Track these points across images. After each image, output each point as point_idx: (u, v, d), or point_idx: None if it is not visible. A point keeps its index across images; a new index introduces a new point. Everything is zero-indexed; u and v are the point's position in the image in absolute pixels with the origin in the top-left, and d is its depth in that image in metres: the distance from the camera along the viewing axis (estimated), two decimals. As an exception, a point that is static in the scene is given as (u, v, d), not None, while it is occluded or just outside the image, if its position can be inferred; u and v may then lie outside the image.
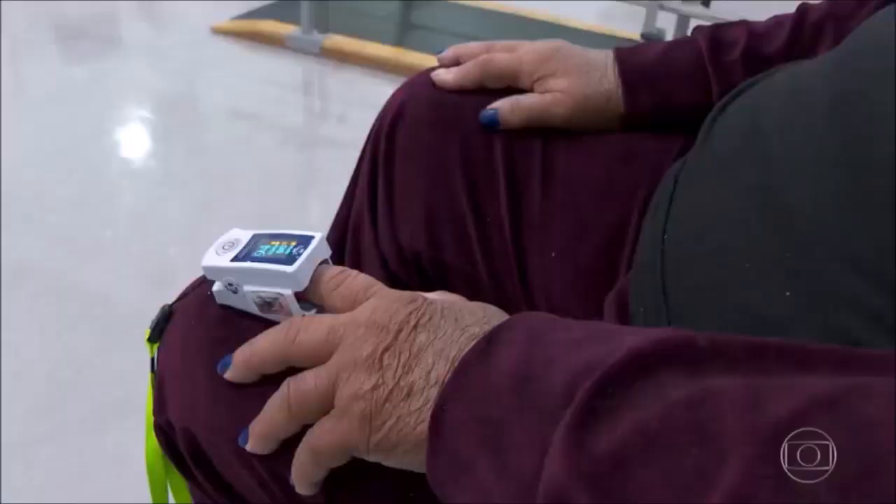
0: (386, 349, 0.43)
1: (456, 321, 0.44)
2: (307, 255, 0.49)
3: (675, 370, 0.33)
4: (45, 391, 1.42)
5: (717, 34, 0.71)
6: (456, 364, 0.40)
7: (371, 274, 0.80)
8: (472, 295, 0.74)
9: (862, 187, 0.40)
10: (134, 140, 2.41)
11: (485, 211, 0.72)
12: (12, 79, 2.69)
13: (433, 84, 0.75)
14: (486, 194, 0.72)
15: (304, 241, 0.50)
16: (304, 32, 2.99)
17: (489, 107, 0.72)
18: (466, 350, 0.41)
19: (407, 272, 0.78)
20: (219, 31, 3.15)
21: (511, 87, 0.74)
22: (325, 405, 0.44)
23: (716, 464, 0.29)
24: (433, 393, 0.40)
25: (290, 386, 0.45)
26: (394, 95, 0.77)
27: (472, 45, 0.77)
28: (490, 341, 0.40)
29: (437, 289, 0.76)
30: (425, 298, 0.46)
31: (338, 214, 0.85)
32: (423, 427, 0.40)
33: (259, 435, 0.47)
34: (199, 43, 3.10)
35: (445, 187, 0.73)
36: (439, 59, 0.77)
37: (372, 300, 0.47)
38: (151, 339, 0.56)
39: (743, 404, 0.30)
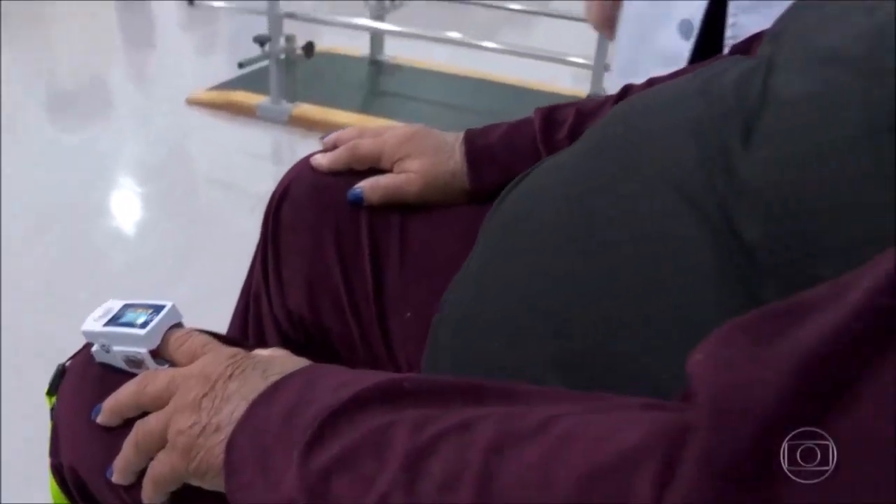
0: (204, 395, 0.54)
1: (263, 372, 0.55)
2: (157, 320, 0.61)
3: (383, 406, 0.44)
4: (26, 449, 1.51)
5: (551, 114, 0.83)
6: (249, 405, 0.51)
7: (270, 336, 0.92)
8: (349, 354, 0.86)
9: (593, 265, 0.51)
10: (113, 206, 2.54)
11: (353, 280, 0.83)
12: (4, 145, 2.82)
13: (313, 168, 0.87)
14: (353, 265, 0.83)
15: (159, 308, 0.62)
16: (273, 102, 3.14)
17: (355, 186, 0.83)
18: (258, 393, 0.52)
19: (297, 334, 0.89)
20: (193, 102, 3.29)
21: (378, 168, 0.85)
22: (163, 441, 0.55)
23: (379, 471, 0.40)
24: (230, 429, 0.51)
25: (137, 427, 0.56)
26: (283, 177, 0.89)
27: (348, 131, 0.89)
28: (276, 387, 0.51)
29: (323, 349, 0.88)
30: (245, 354, 0.57)
31: (244, 284, 0.97)
32: (223, 457, 0.51)
33: (118, 469, 0.58)
34: (175, 113, 3.24)
35: (322, 260, 0.84)
36: (322, 144, 0.89)
37: (205, 356, 0.58)
38: (49, 393, 0.67)
39: (412, 427, 0.41)
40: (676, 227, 0.46)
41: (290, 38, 3.12)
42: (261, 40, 3.01)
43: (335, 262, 0.84)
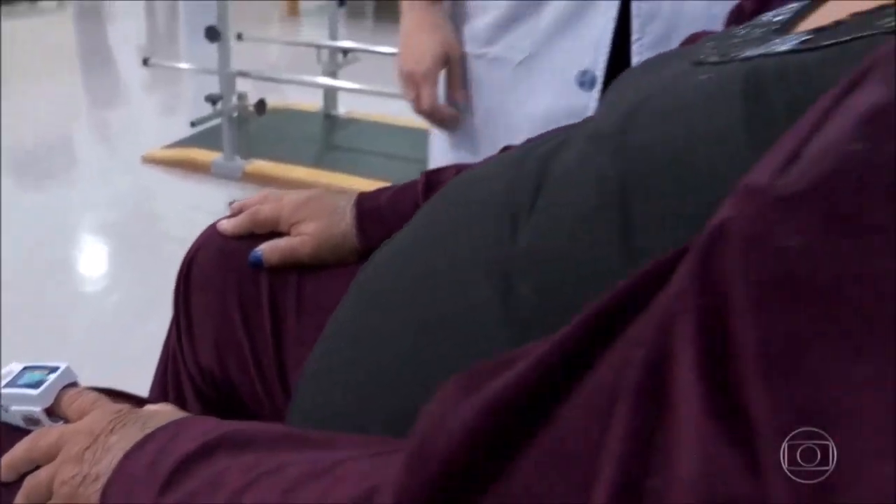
0: (87, 447, 0.59)
1: (143, 425, 0.60)
2: (51, 380, 0.66)
3: (227, 452, 0.50)
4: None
5: (433, 176, 0.89)
6: (123, 455, 0.57)
7: (187, 392, 0.97)
8: (256, 407, 0.91)
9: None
10: (73, 264, 2.58)
11: (256, 337, 0.89)
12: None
13: (220, 232, 0.93)
14: (255, 323, 0.89)
15: (54, 369, 0.67)
16: (227, 159, 3.21)
17: (255, 249, 0.89)
18: (133, 444, 0.57)
19: (209, 390, 0.94)
20: (150, 160, 3.35)
21: (279, 232, 0.92)
22: (50, 493, 0.60)
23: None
24: (106, 478, 0.57)
25: (27, 480, 0.62)
26: (194, 242, 0.95)
27: (253, 197, 0.95)
28: (148, 437, 0.57)
29: (233, 403, 0.93)
30: (130, 409, 0.63)
31: (164, 342, 1.02)
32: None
33: None
34: (134, 171, 3.30)
35: (227, 319, 0.90)
36: (230, 209, 0.96)
37: (93, 412, 0.63)
38: (-36, 451, 0.72)
39: (243, 470, 0.47)
40: (475, 295, 0.52)
41: (242, 96, 3.19)
42: (212, 99, 3.09)
43: (239, 321, 0.89)
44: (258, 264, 0.89)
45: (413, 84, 1.28)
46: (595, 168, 0.47)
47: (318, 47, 3.81)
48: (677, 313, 0.27)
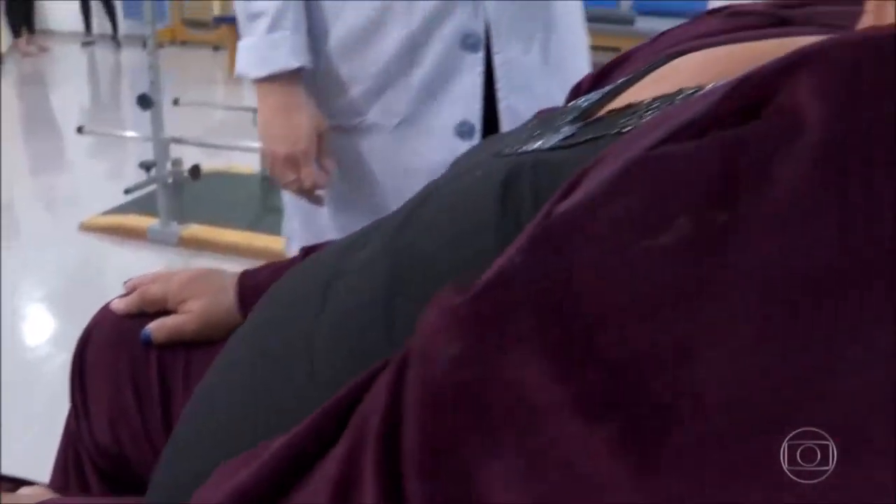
0: None
1: None
2: None
3: None
4: None
5: (310, 251, 0.93)
6: None
7: (87, 467, 0.99)
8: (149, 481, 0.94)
9: None
10: (11, 333, 2.56)
11: (148, 413, 0.92)
12: None
13: (113, 311, 0.96)
14: (147, 399, 0.92)
15: None
16: (163, 225, 3.22)
17: (145, 328, 0.93)
18: None
19: (106, 465, 0.97)
20: (88, 228, 3.36)
21: (168, 310, 0.95)
22: None
23: None
24: None
25: None
26: (89, 321, 0.98)
27: (145, 276, 0.99)
28: None
29: (130, 478, 0.95)
30: (5, 495, 0.66)
31: (66, 419, 1.04)
32: None
33: None
34: (72, 239, 3.30)
35: (121, 396, 0.93)
36: (125, 288, 0.99)
37: None
38: None
39: None
40: (293, 372, 0.56)
41: (176, 162, 3.22)
42: (146, 166, 3.11)
43: (132, 398, 0.92)
44: (148, 342, 0.92)
45: (293, 166, 1.30)
46: (374, 263, 0.51)
47: (254, 111, 3.85)
48: (370, 414, 0.32)
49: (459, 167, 0.62)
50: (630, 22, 5.97)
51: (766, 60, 0.51)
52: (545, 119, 0.61)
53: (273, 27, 1.26)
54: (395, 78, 1.27)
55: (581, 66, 1.37)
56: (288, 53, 1.26)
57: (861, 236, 0.26)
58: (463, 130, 1.26)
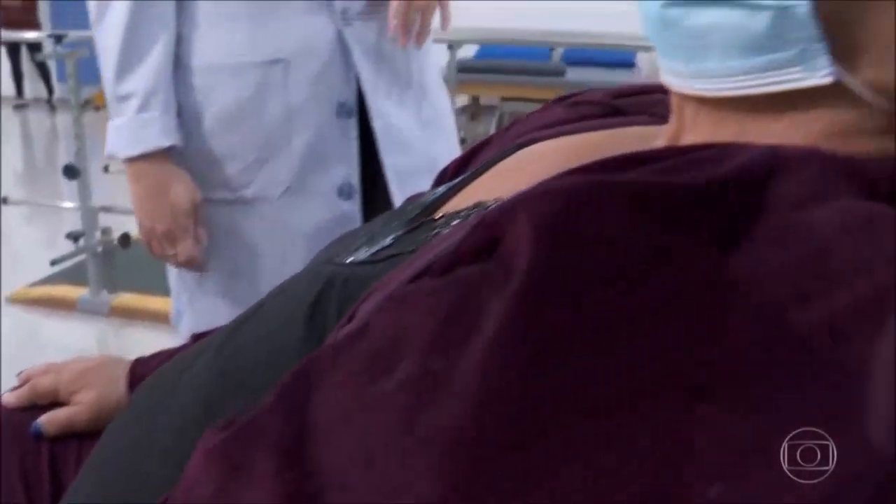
0: None
1: None
2: None
3: None
4: None
5: (199, 337, 0.94)
6: None
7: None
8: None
9: None
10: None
11: None
12: None
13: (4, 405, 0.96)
14: (36, 493, 0.91)
15: None
16: (93, 295, 3.18)
17: (35, 421, 0.92)
18: None
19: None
20: (16, 300, 3.30)
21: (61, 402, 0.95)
22: None
23: None
24: None
25: None
26: None
27: (36, 368, 0.98)
28: None
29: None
30: None
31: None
32: None
33: None
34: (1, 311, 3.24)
35: (10, 490, 0.92)
36: (18, 380, 0.99)
37: None
38: None
39: None
40: (126, 481, 0.57)
41: (105, 230, 3.20)
42: (74, 236, 3.09)
43: (22, 493, 0.91)
44: (39, 435, 0.92)
45: (170, 241, 1.32)
46: (199, 379, 0.52)
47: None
48: None
49: (302, 272, 0.64)
50: (561, 73, 6.08)
51: (595, 152, 0.54)
52: (389, 217, 0.63)
53: (143, 108, 1.28)
54: (276, 149, 1.31)
55: (449, 125, 1.46)
56: (159, 133, 1.29)
57: (548, 391, 0.28)
58: (344, 192, 1.32)
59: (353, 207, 1.32)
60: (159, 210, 1.31)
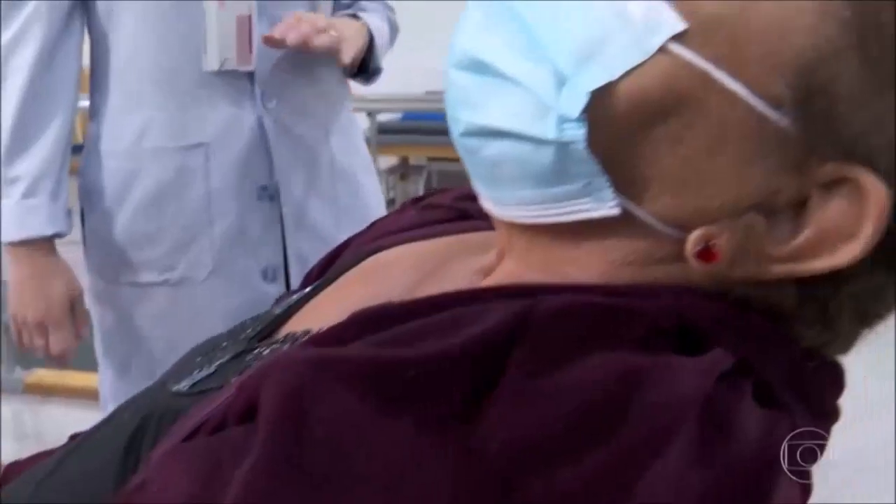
0: None
1: None
2: None
3: None
4: None
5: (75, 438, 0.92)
6: None
7: None
8: None
9: None
10: None
11: None
12: None
13: None
14: None
15: None
16: (7, 371, 3.09)
17: None
18: None
19: None
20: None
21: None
22: None
23: None
24: None
25: None
26: None
27: None
28: None
29: None
30: None
31: None
32: None
33: None
34: None
35: None
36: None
37: None
38: None
39: None
40: None
41: (20, 306, 3.12)
42: (-14, 313, 3.01)
43: None
44: None
45: (42, 332, 1.31)
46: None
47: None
48: None
49: (136, 396, 0.63)
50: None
51: (437, 261, 0.54)
52: (236, 331, 0.63)
53: (29, 193, 1.27)
54: (198, 232, 1.31)
55: (371, 212, 1.44)
56: (43, 221, 1.28)
57: None
58: (269, 275, 1.33)
59: (279, 289, 1.32)
60: (34, 300, 1.30)
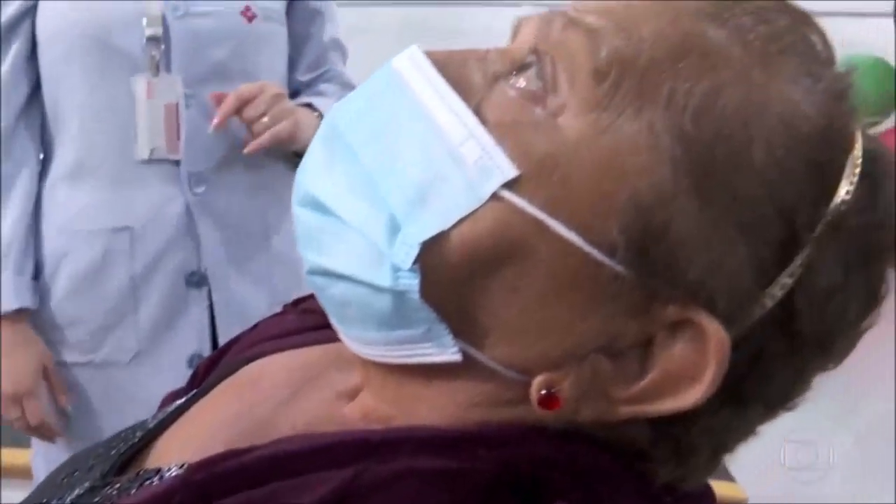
0: None
1: None
2: None
3: None
4: None
5: None
6: None
7: None
8: None
9: None
10: None
11: None
12: None
13: None
14: None
15: None
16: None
17: None
18: None
19: None
20: None
21: None
22: None
23: None
24: None
25: None
26: None
27: None
28: None
29: None
30: None
31: None
32: None
33: None
34: None
35: None
36: None
37: None
38: None
39: None
40: None
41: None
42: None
43: None
44: None
45: (16, 404, 1.29)
46: None
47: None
48: None
49: None
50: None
51: (309, 373, 0.53)
52: (106, 446, 0.60)
53: None
54: (123, 316, 1.31)
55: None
56: (9, 295, 1.28)
57: None
58: (194, 363, 1.30)
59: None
60: (4, 372, 1.28)
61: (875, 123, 3.08)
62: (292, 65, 1.43)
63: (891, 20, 2.90)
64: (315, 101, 1.40)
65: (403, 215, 0.41)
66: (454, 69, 0.44)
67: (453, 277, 0.41)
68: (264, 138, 1.26)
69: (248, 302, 1.34)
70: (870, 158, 0.42)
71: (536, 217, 0.40)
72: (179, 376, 1.29)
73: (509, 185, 0.40)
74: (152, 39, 1.25)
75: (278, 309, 1.34)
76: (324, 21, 1.43)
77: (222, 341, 1.31)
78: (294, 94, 1.43)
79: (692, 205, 0.39)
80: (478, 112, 0.42)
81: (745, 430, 0.45)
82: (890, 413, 2.23)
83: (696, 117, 0.39)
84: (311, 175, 0.45)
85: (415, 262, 0.40)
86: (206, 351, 1.31)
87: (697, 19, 0.41)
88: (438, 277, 0.41)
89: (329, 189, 0.44)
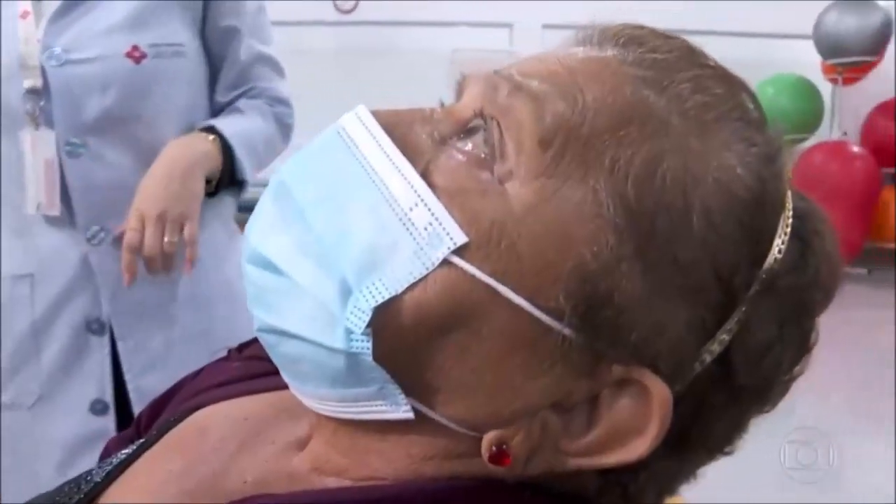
0: None
1: None
2: None
3: None
4: None
5: None
6: None
7: None
8: None
9: None
10: None
11: None
12: None
13: None
14: None
15: None
16: None
17: None
18: None
19: None
20: None
21: None
22: None
23: None
24: None
25: None
26: None
27: None
28: None
29: None
30: None
31: None
32: None
33: None
34: None
35: None
36: None
37: None
38: None
39: None
40: None
41: None
42: None
43: None
44: None
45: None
46: None
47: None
48: None
49: None
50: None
51: (261, 423, 0.53)
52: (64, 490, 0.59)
53: None
54: (25, 360, 1.29)
55: (228, 336, 1.29)
56: None
57: None
58: (97, 408, 1.29)
59: (107, 423, 1.28)
60: None
61: (802, 140, 3.18)
62: (213, 86, 1.38)
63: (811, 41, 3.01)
64: (217, 122, 1.33)
65: (355, 279, 0.41)
66: (401, 131, 0.45)
67: (405, 339, 0.42)
68: (191, 253, 1.23)
69: (154, 347, 1.31)
70: (799, 216, 0.45)
71: (486, 282, 0.41)
72: (83, 423, 1.29)
73: (459, 251, 0.41)
74: (31, 92, 1.20)
75: (192, 354, 1.31)
76: (241, 38, 1.37)
77: (131, 388, 1.29)
78: (217, 114, 1.38)
79: (635, 270, 0.41)
80: (426, 175, 0.43)
81: (688, 474, 0.47)
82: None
83: (638, 185, 0.41)
84: (261, 234, 0.46)
85: (367, 325, 0.41)
86: (108, 396, 1.28)
87: (638, 87, 0.43)
88: (391, 339, 0.42)
89: (279, 249, 0.44)
